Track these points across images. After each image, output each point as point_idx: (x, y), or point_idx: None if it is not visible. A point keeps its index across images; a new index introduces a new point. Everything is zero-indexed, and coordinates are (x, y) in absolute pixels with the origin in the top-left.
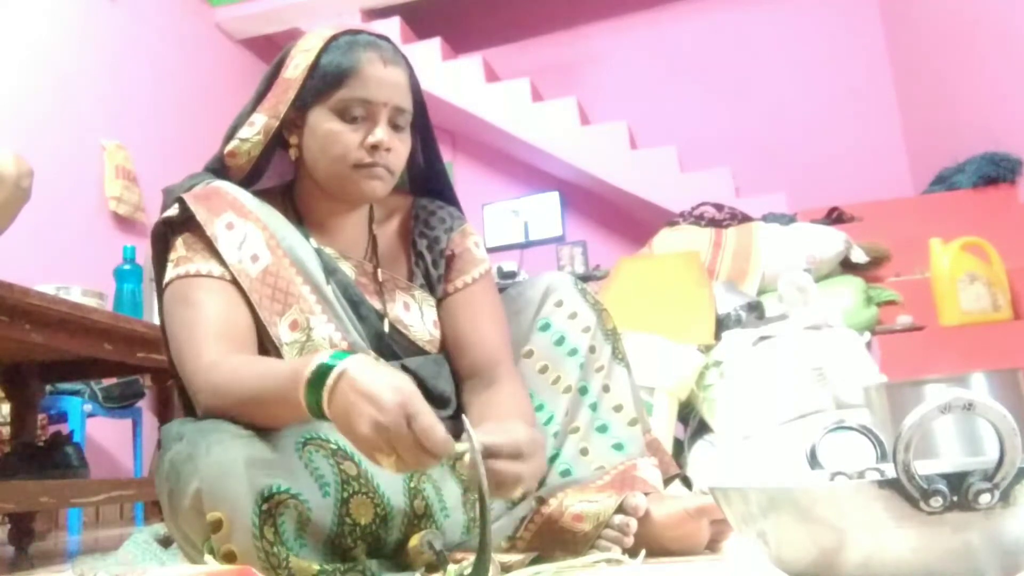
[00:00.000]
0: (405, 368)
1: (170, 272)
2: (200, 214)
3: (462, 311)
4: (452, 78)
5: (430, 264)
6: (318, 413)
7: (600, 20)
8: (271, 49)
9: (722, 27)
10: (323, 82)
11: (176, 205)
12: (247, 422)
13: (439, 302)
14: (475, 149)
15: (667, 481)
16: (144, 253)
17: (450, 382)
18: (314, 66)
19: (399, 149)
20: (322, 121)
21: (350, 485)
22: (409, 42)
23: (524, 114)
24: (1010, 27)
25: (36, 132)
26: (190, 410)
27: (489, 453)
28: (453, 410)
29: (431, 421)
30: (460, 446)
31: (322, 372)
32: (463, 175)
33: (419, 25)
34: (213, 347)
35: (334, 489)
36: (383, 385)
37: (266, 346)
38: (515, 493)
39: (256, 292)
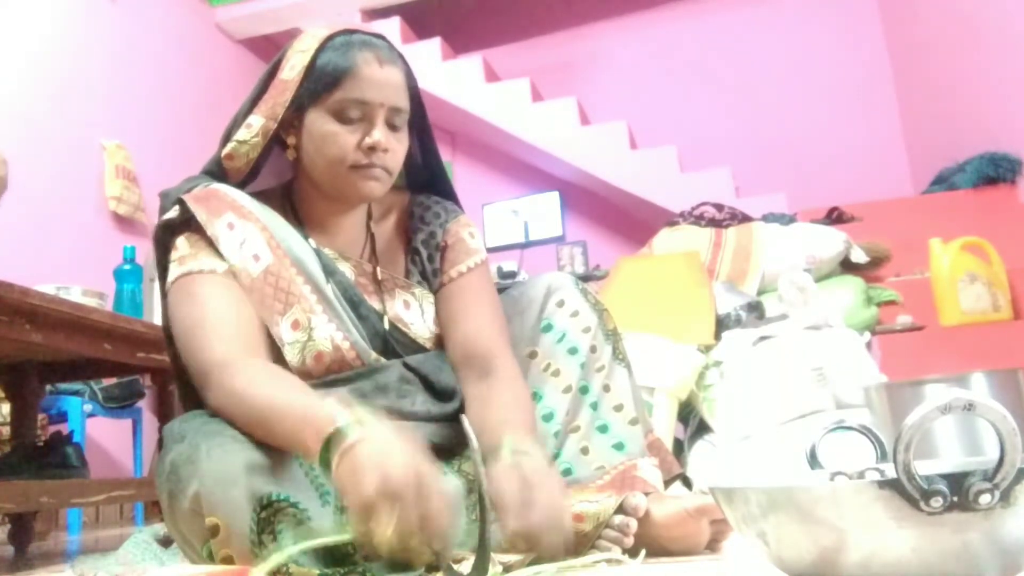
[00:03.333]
0: (406, 366)
1: (174, 270)
2: (200, 215)
3: (455, 299)
4: (452, 78)
5: (426, 259)
6: (326, 467)
7: (600, 20)
8: (271, 49)
9: (722, 27)
10: (319, 84)
11: (176, 207)
12: (251, 434)
13: (435, 293)
14: (475, 149)
15: (669, 481)
16: (144, 253)
17: (453, 376)
18: (310, 67)
19: (396, 149)
20: (319, 123)
21: None
22: (409, 42)
23: (524, 114)
24: (1010, 27)
25: (36, 132)
26: (191, 409)
27: (515, 538)
28: (458, 403)
29: (441, 505)
30: (456, 561)
31: (342, 431)
32: (463, 175)
33: (419, 25)
34: (225, 343)
35: (334, 497)
36: (398, 453)
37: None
38: (545, 545)
39: (257, 291)
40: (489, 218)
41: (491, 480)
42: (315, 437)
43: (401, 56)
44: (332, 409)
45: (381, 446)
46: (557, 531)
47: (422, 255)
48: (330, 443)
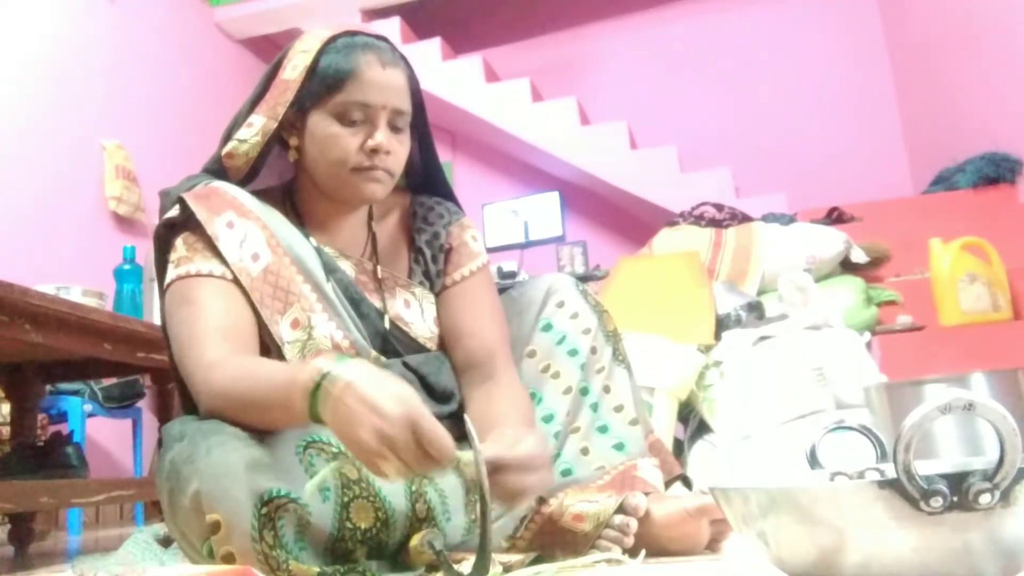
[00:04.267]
0: (406, 365)
1: (171, 272)
2: (200, 213)
3: (459, 303)
4: (452, 78)
5: (429, 259)
6: (318, 419)
7: (600, 20)
8: (271, 49)
9: (722, 27)
10: (322, 85)
11: (176, 206)
12: (246, 425)
13: (437, 296)
14: (475, 149)
15: (670, 482)
16: (144, 253)
17: (452, 378)
18: (312, 68)
19: (398, 151)
20: (321, 124)
21: (351, 489)
22: (409, 42)
23: (524, 114)
24: (1010, 27)
25: (36, 132)
26: (190, 410)
27: (499, 465)
28: (456, 405)
29: (435, 428)
30: (463, 454)
31: (322, 379)
32: (463, 175)
33: (419, 25)
34: (214, 346)
35: (334, 493)
36: (386, 394)
37: (267, 345)
38: (520, 504)
39: (257, 291)
40: (489, 218)
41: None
42: (299, 394)
43: (403, 58)
44: (312, 364)
45: (368, 387)
46: (536, 461)
47: (426, 255)
48: (316, 396)
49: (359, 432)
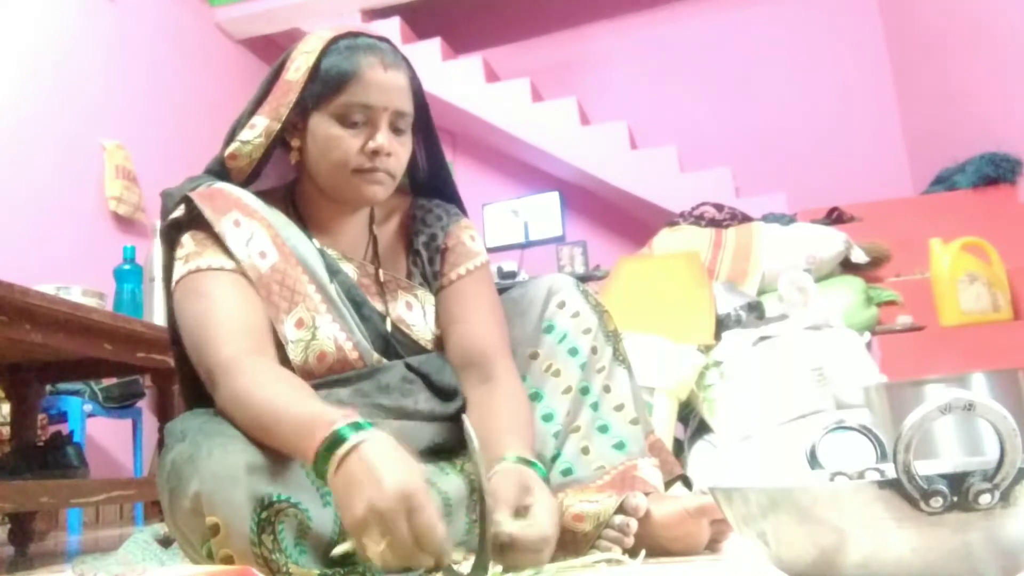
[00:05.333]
0: (408, 367)
1: (180, 268)
2: (207, 212)
3: (455, 302)
4: (452, 78)
5: (426, 261)
6: (323, 476)
7: (600, 20)
8: (271, 49)
9: (722, 27)
10: (323, 87)
11: (182, 205)
12: (252, 436)
13: (435, 295)
14: (475, 149)
15: (670, 482)
16: (144, 253)
17: (454, 376)
18: (314, 69)
19: (400, 153)
20: (323, 126)
21: None
22: (409, 42)
23: (524, 114)
24: (1010, 27)
25: (36, 132)
26: (193, 406)
27: (512, 542)
28: (461, 402)
29: (433, 519)
30: (456, 562)
31: (337, 440)
32: (463, 175)
33: (419, 25)
34: (232, 341)
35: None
36: (390, 470)
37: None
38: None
39: (264, 288)
40: (489, 218)
41: (492, 480)
42: (313, 444)
43: (405, 60)
44: (330, 417)
45: (374, 460)
46: (548, 542)
47: (423, 257)
48: (327, 452)
49: (355, 502)
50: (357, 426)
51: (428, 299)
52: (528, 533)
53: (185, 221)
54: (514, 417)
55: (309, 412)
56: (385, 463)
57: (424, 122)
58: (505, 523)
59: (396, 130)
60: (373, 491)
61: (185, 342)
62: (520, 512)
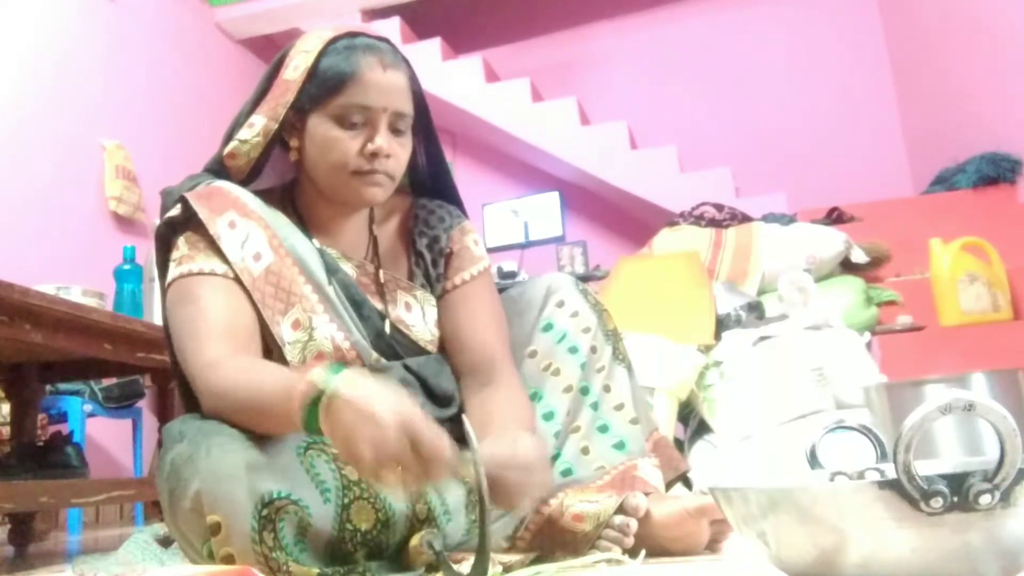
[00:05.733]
0: (407, 368)
1: (172, 271)
2: (202, 212)
3: (459, 308)
4: (452, 78)
5: (429, 263)
6: (315, 432)
7: (600, 20)
8: (271, 49)
9: (722, 27)
10: (322, 88)
11: (178, 205)
12: (245, 428)
13: (438, 300)
14: (475, 149)
15: (678, 478)
16: (144, 253)
17: (452, 380)
18: (313, 70)
19: (399, 154)
20: (321, 127)
21: (351, 490)
22: (409, 42)
23: (524, 114)
24: (1010, 27)
25: (36, 132)
26: (191, 410)
27: (496, 466)
28: (457, 408)
29: (432, 432)
30: (464, 456)
31: (318, 394)
32: (463, 175)
33: (419, 25)
34: (216, 345)
35: (335, 495)
36: (380, 404)
37: (268, 345)
38: (522, 505)
39: (259, 291)
40: (489, 218)
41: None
42: (297, 405)
43: (405, 60)
44: (308, 376)
45: (362, 399)
46: (532, 467)
47: (426, 259)
48: (313, 408)
49: (357, 445)
50: (331, 370)
51: (428, 300)
52: (514, 453)
53: (181, 221)
54: (515, 417)
55: (284, 377)
56: (373, 401)
57: (424, 122)
58: (491, 449)
59: (395, 131)
60: (371, 429)
61: (173, 346)
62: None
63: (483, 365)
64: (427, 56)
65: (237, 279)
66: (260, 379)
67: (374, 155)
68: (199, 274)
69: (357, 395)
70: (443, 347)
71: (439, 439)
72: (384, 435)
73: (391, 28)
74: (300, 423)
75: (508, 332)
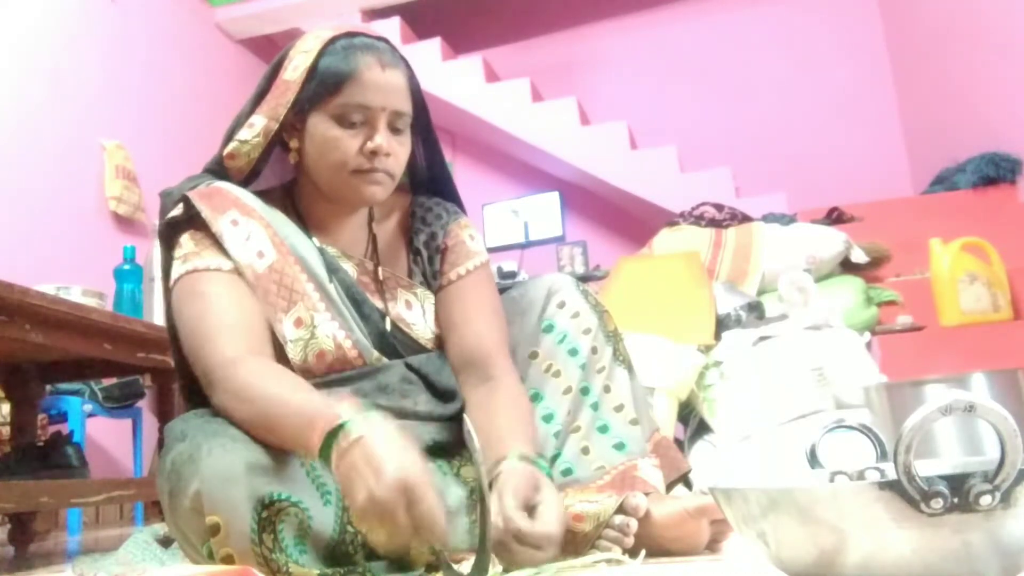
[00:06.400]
0: (408, 366)
1: (178, 268)
2: (204, 211)
3: (455, 302)
4: (452, 78)
5: (427, 260)
6: (327, 466)
7: (600, 20)
8: (271, 49)
9: (722, 27)
10: (321, 87)
11: (180, 204)
12: (252, 434)
13: (435, 295)
14: (475, 149)
15: (679, 478)
16: (144, 253)
17: (454, 377)
18: (312, 70)
19: (398, 153)
20: (321, 127)
21: None
22: (409, 42)
23: (524, 114)
24: (1010, 27)
25: (36, 132)
26: (194, 406)
27: (516, 536)
28: (460, 404)
29: (432, 510)
30: (456, 561)
31: (339, 430)
32: (463, 175)
33: (419, 25)
34: (233, 342)
35: (335, 497)
36: (390, 460)
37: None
38: (527, 570)
39: (261, 288)
40: (489, 218)
41: (501, 477)
42: (316, 434)
43: (404, 59)
44: (334, 407)
45: (376, 448)
46: (552, 541)
47: (423, 256)
48: (330, 441)
49: (356, 490)
50: (359, 416)
51: (428, 298)
52: (536, 529)
53: (183, 220)
54: (515, 416)
55: (311, 404)
56: (385, 453)
57: (423, 121)
58: (515, 517)
59: (394, 130)
60: (372, 481)
61: (183, 343)
62: (528, 510)
63: (479, 360)
64: (427, 56)
65: (242, 275)
66: (284, 398)
67: (374, 154)
68: (206, 270)
69: (372, 440)
70: (443, 344)
71: (434, 509)
72: (381, 491)
73: (391, 28)
74: (316, 453)
75: (506, 328)
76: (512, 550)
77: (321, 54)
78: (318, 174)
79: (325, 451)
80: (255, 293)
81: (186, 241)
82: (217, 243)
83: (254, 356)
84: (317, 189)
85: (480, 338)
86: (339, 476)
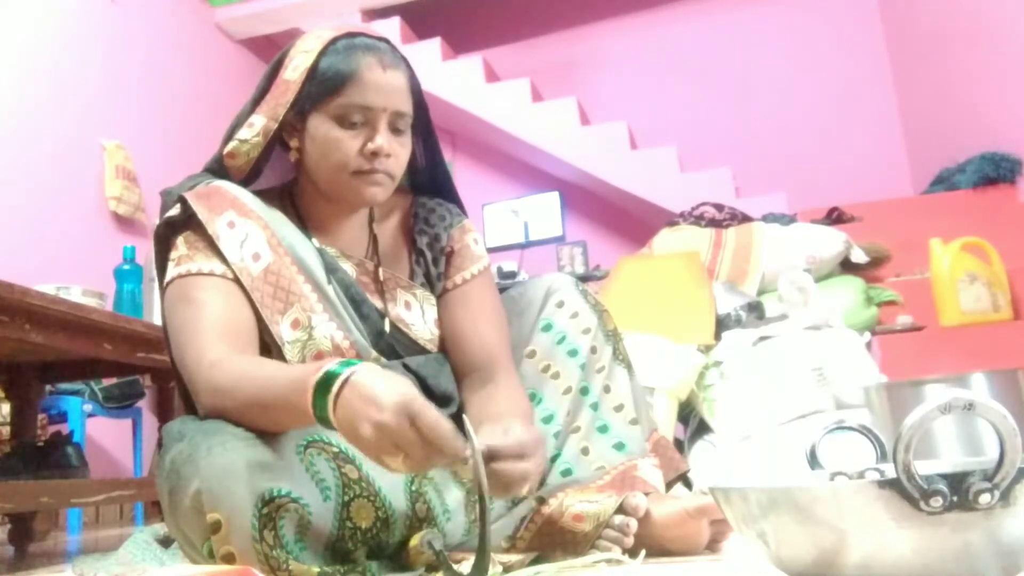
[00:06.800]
0: (407, 367)
1: (171, 271)
2: (201, 212)
3: (460, 307)
4: (452, 78)
5: (430, 262)
6: (324, 420)
7: (600, 20)
8: (271, 49)
9: (722, 27)
10: (322, 88)
11: (178, 205)
12: (248, 425)
13: (438, 299)
14: (475, 149)
15: (677, 478)
16: (144, 253)
17: (452, 380)
18: (313, 70)
19: (399, 153)
20: (321, 127)
21: (351, 489)
22: (409, 42)
23: (524, 114)
24: (1010, 27)
25: (36, 132)
26: (191, 410)
27: (493, 454)
28: (456, 407)
29: (435, 417)
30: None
31: (328, 379)
32: (463, 175)
33: (419, 25)
34: (215, 346)
35: (335, 493)
36: (383, 388)
37: (268, 345)
38: (522, 491)
39: (258, 291)
40: (489, 218)
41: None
42: (307, 394)
43: (404, 59)
44: (315, 366)
45: (365, 385)
46: (527, 447)
47: (427, 258)
48: (322, 391)
49: (360, 427)
50: (342, 364)
51: (428, 299)
52: (508, 440)
53: (180, 221)
54: (514, 412)
55: (297, 371)
56: (377, 384)
57: (423, 122)
58: (486, 438)
59: (395, 131)
60: (373, 411)
61: (171, 345)
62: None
63: (483, 364)
64: (427, 56)
65: (236, 279)
66: (268, 373)
67: (374, 154)
68: (198, 274)
69: (361, 378)
70: (443, 346)
71: (439, 420)
72: (385, 417)
73: (391, 28)
74: (308, 411)
75: (508, 331)
76: (498, 472)
77: (322, 54)
78: (318, 174)
79: (320, 408)
80: (252, 296)
81: (181, 243)
82: (212, 245)
83: (238, 356)
84: (317, 189)
85: (484, 343)
86: (338, 422)
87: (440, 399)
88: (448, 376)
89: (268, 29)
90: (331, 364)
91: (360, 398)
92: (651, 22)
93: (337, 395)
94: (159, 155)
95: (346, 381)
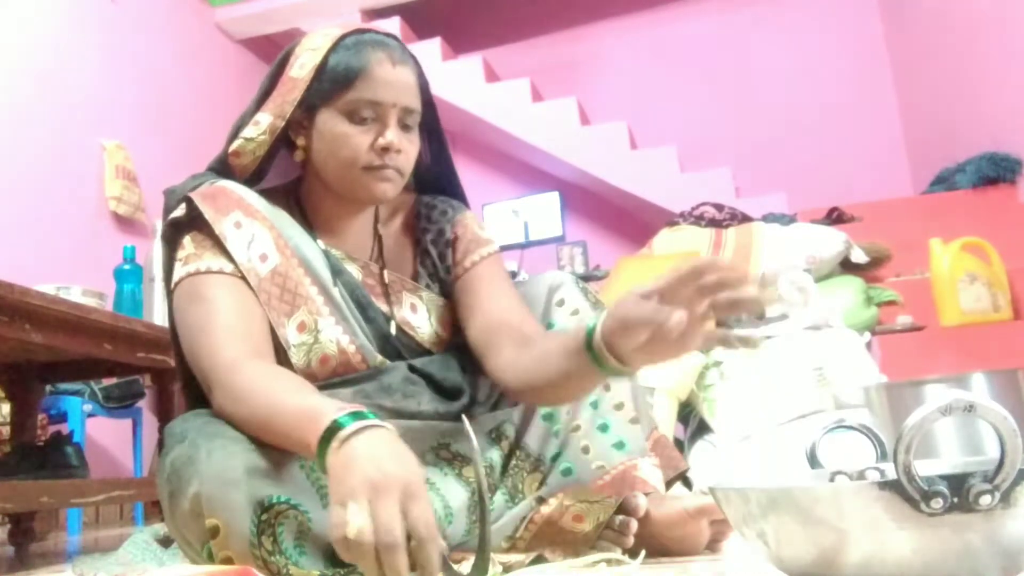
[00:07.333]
0: (412, 368)
1: (179, 270)
2: (207, 213)
3: (474, 287)
4: (452, 78)
5: (437, 258)
6: (324, 460)
7: (600, 20)
8: (271, 49)
9: (722, 27)
10: (331, 83)
11: (183, 205)
12: (253, 436)
13: (453, 286)
14: (475, 149)
15: (676, 477)
16: (144, 253)
17: (460, 376)
18: (321, 67)
19: (408, 150)
20: (331, 123)
21: None
22: (409, 42)
23: (524, 114)
24: (1010, 27)
25: (36, 132)
26: (195, 406)
27: (701, 271)
28: (467, 401)
29: (429, 511)
30: (456, 562)
31: (339, 425)
32: (463, 175)
33: (419, 25)
34: (233, 345)
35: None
36: (392, 457)
37: (275, 345)
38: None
39: (265, 292)
40: (489, 218)
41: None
42: (315, 431)
43: (413, 56)
44: (333, 406)
45: (376, 445)
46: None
47: (433, 255)
48: (329, 436)
49: (352, 477)
50: (360, 415)
51: (433, 300)
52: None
53: (186, 221)
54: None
55: (311, 403)
56: (387, 451)
57: (430, 121)
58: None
59: (404, 127)
60: (372, 468)
61: (183, 345)
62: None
63: (512, 325)
64: (427, 56)
65: (244, 279)
66: (282, 394)
67: (385, 150)
68: (207, 272)
69: (375, 442)
70: (447, 348)
71: (430, 513)
72: (383, 475)
73: (391, 28)
74: (313, 450)
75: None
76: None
77: (331, 51)
78: (327, 171)
79: (323, 448)
80: (258, 297)
81: (188, 242)
82: (219, 244)
83: (253, 359)
84: (324, 188)
85: (507, 310)
86: (333, 467)
87: (449, 392)
88: (456, 371)
89: (268, 29)
90: (347, 410)
91: (365, 453)
92: (651, 22)
93: (343, 442)
94: (159, 155)
95: (357, 432)
